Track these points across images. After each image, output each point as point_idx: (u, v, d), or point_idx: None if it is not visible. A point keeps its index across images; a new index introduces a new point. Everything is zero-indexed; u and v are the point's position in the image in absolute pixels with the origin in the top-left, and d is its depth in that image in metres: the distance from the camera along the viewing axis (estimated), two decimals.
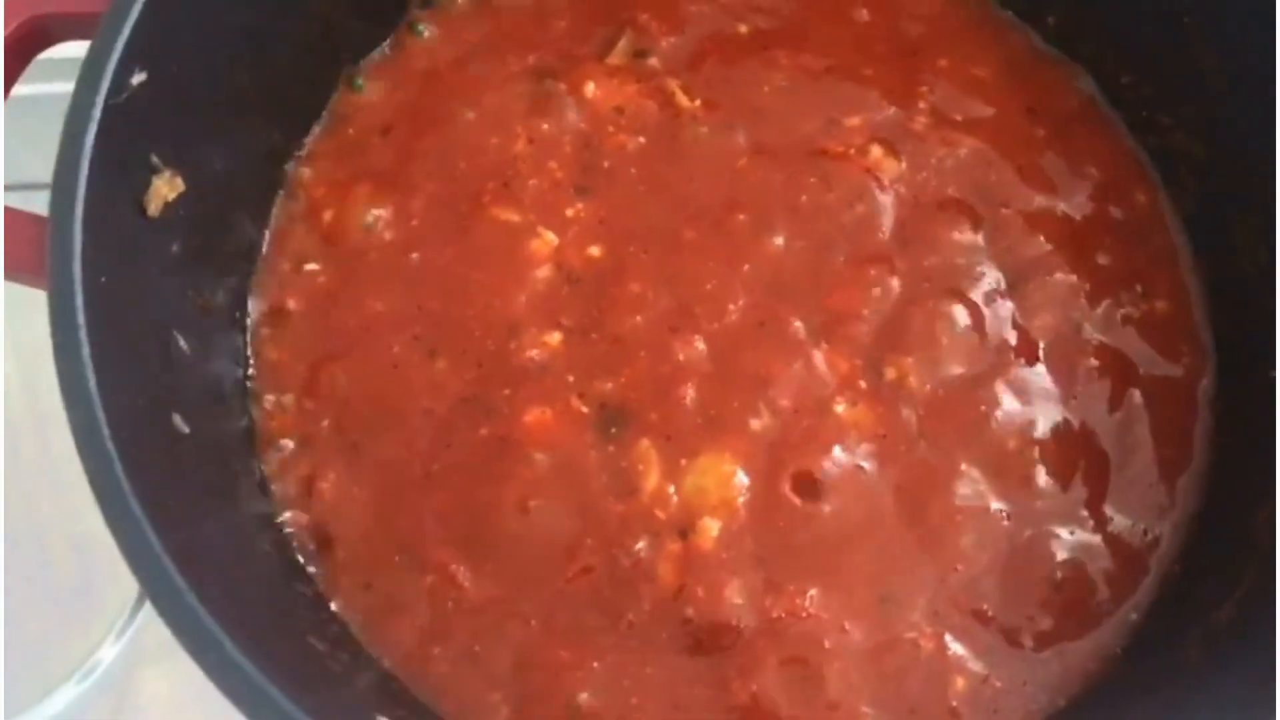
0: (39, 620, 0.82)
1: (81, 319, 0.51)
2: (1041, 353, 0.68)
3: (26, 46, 0.59)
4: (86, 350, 0.50)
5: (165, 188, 0.60)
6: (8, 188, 0.75)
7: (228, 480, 0.61)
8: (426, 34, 0.77)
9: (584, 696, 0.62)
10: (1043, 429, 0.67)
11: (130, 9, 0.56)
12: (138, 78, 0.57)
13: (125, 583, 0.82)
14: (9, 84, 0.59)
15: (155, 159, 0.59)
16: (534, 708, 0.62)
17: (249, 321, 0.68)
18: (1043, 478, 0.66)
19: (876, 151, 0.73)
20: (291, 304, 0.69)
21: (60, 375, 0.49)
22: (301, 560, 0.63)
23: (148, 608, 0.82)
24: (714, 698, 0.62)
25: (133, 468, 0.48)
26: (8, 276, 0.56)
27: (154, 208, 0.58)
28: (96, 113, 0.55)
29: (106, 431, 0.47)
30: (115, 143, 0.55)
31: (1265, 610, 0.55)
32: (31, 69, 0.67)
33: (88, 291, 0.52)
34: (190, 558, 0.48)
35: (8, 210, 0.55)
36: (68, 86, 0.55)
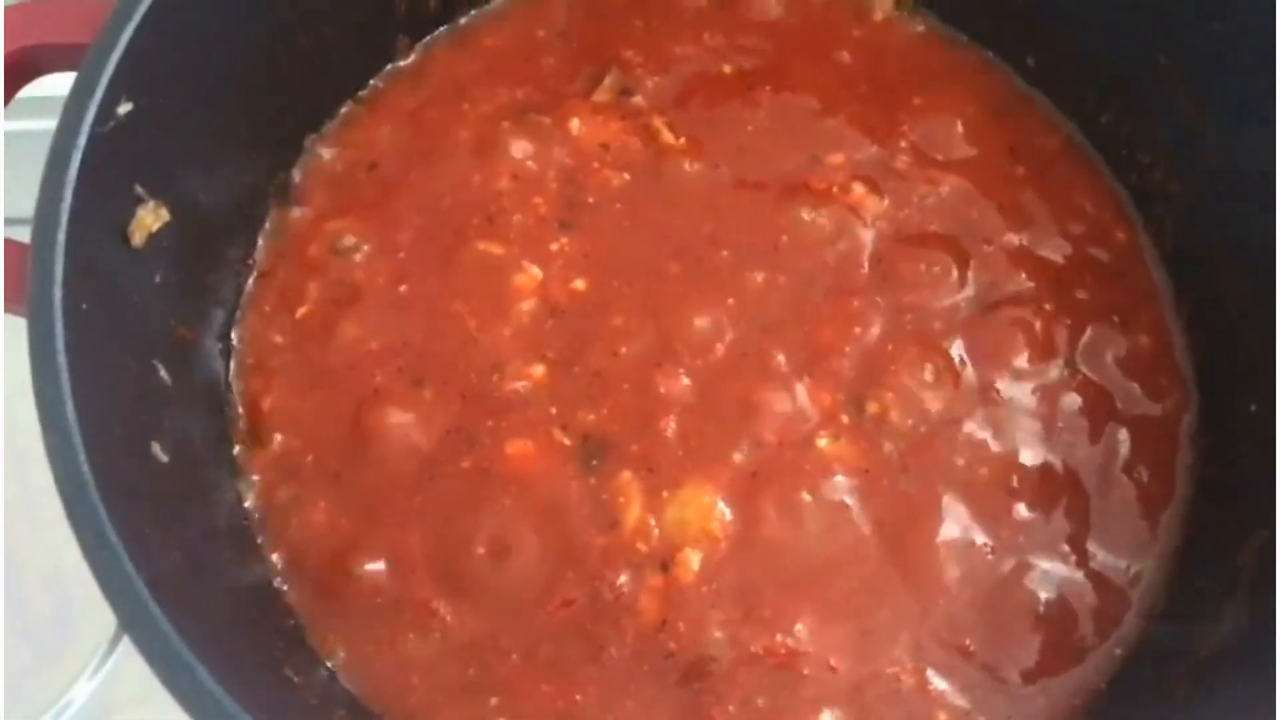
0: (13, 658, 0.81)
1: (61, 344, 0.50)
2: (1023, 387, 0.69)
3: (15, 76, 0.60)
4: (65, 377, 0.50)
5: (150, 218, 0.60)
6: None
7: (207, 510, 0.60)
8: (413, 70, 0.78)
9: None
10: (1024, 464, 0.67)
11: (119, 39, 0.56)
12: (124, 108, 0.57)
13: (101, 622, 0.82)
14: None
15: (140, 189, 0.59)
16: None
17: (233, 352, 0.68)
18: (1024, 513, 0.66)
19: (859, 189, 0.73)
20: (276, 337, 0.69)
21: (38, 401, 0.49)
22: (280, 592, 0.62)
23: (122, 648, 0.82)
24: (696, 715, 0.62)
25: (109, 495, 0.48)
26: (7, 310, 0.55)
27: (138, 238, 0.59)
28: (82, 140, 0.55)
29: (83, 457, 0.47)
30: (100, 171, 0.55)
31: (1251, 646, 0.55)
32: (22, 105, 0.68)
33: (68, 318, 0.52)
34: (166, 586, 0.48)
35: (7, 242, 0.55)
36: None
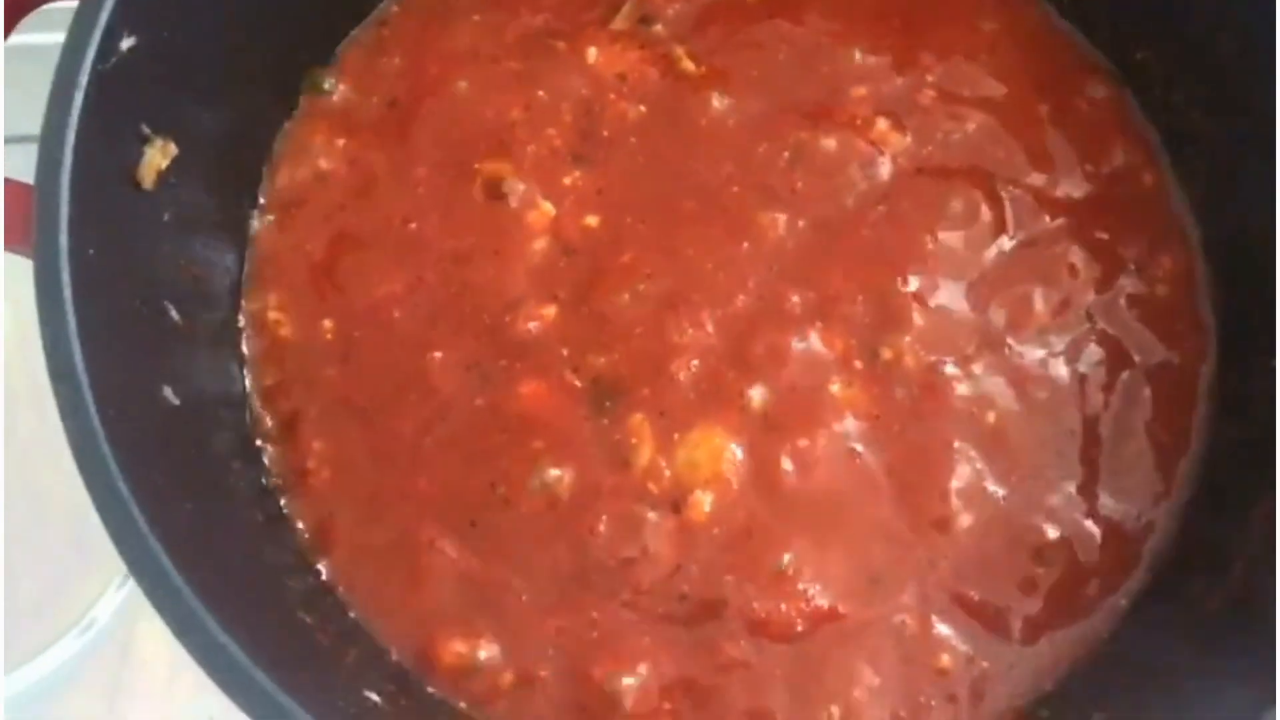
0: (39, 580, 0.82)
1: (68, 293, 0.50)
2: (1038, 334, 0.68)
3: (17, 7, 0.58)
4: (73, 324, 0.50)
5: (158, 156, 0.59)
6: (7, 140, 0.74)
7: (219, 453, 0.60)
8: None
9: (578, 663, 0.63)
10: (1038, 413, 0.66)
11: None
12: (126, 42, 0.55)
13: None
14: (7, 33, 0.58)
15: (146, 128, 0.58)
16: (529, 672, 0.62)
17: (243, 289, 0.68)
18: (1038, 462, 0.65)
19: (882, 124, 0.71)
20: (288, 274, 0.68)
21: (46, 352, 0.48)
22: (292, 532, 0.63)
23: None
24: (706, 660, 0.63)
25: (120, 444, 0.48)
26: (7, 249, 0.55)
27: (149, 180, 0.58)
28: (84, 79, 0.53)
29: (93, 410, 0.47)
30: (104, 111, 0.54)
31: (1256, 602, 0.55)
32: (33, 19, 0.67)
33: (75, 265, 0.51)
34: (177, 536, 0.48)
35: (7, 181, 0.55)
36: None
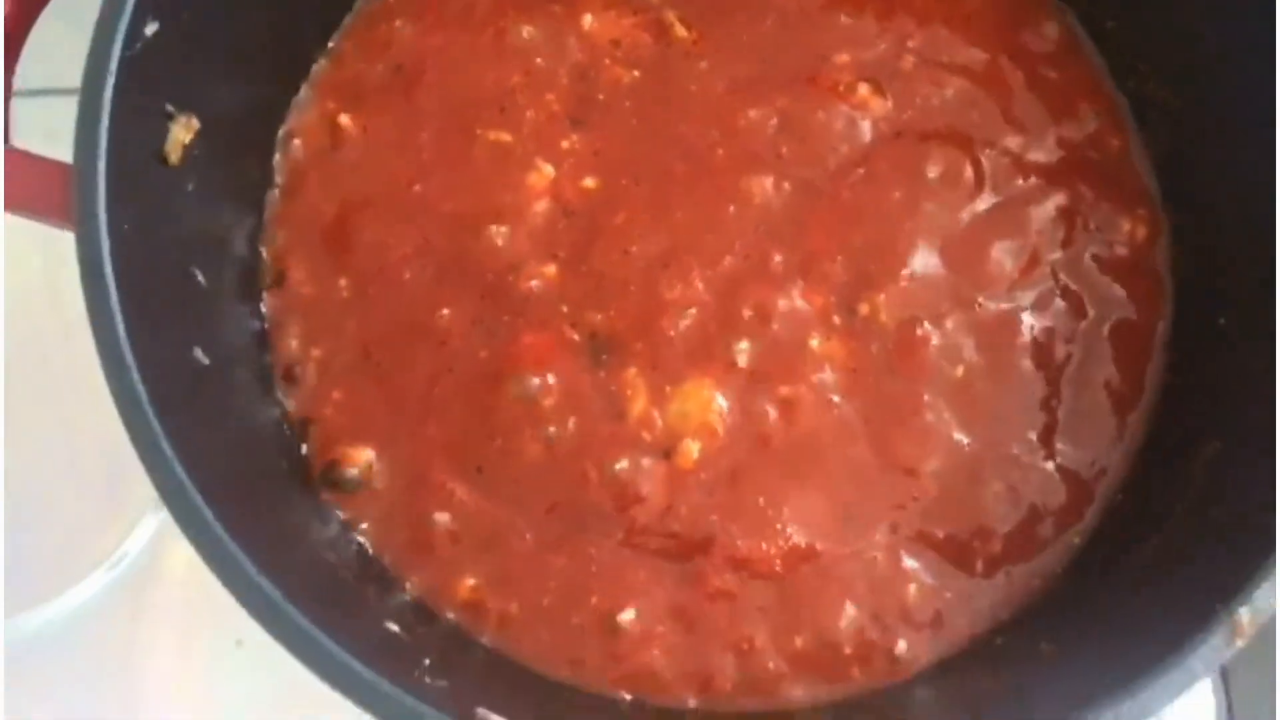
0: (73, 515, 0.88)
1: (109, 267, 0.55)
2: (1007, 291, 0.72)
3: None
4: (114, 296, 0.54)
5: (183, 132, 0.63)
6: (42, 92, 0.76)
7: (246, 406, 0.66)
8: None
9: (579, 593, 0.68)
10: (1003, 363, 0.71)
11: None
12: (150, 27, 0.59)
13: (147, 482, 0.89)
14: (18, 33, 0.61)
15: (170, 106, 0.62)
16: (535, 602, 0.68)
17: (263, 251, 0.72)
18: (1001, 411, 0.70)
19: (864, 90, 0.75)
20: (304, 236, 0.73)
21: (91, 320, 0.53)
22: (314, 478, 0.69)
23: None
24: (695, 591, 0.69)
25: (161, 406, 0.53)
26: (34, 218, 0.60)
27: (175, 156, 0.62)
28: (113, 64, 0.58)
29: (137, 375, 0.52)
30: (133, 94, 0.58)
31: (1192, 548, 0.61)
32: None
33: (113, 238, 0.56)
34: (215, 485, 0.54)
35: (32, 156, 0.59)
36: None
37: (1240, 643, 0.52)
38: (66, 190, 0.57)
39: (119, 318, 0.54)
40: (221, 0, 0.65)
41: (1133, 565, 0.64)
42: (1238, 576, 0.54)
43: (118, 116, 0.57)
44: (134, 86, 0.58)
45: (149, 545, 0.89)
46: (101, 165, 0.56)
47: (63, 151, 0.57)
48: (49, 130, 0.74)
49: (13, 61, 0.60)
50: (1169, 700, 0.52)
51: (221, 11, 0.65)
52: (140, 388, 0.53)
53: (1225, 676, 0.86)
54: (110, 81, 0.57)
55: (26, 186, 0.57)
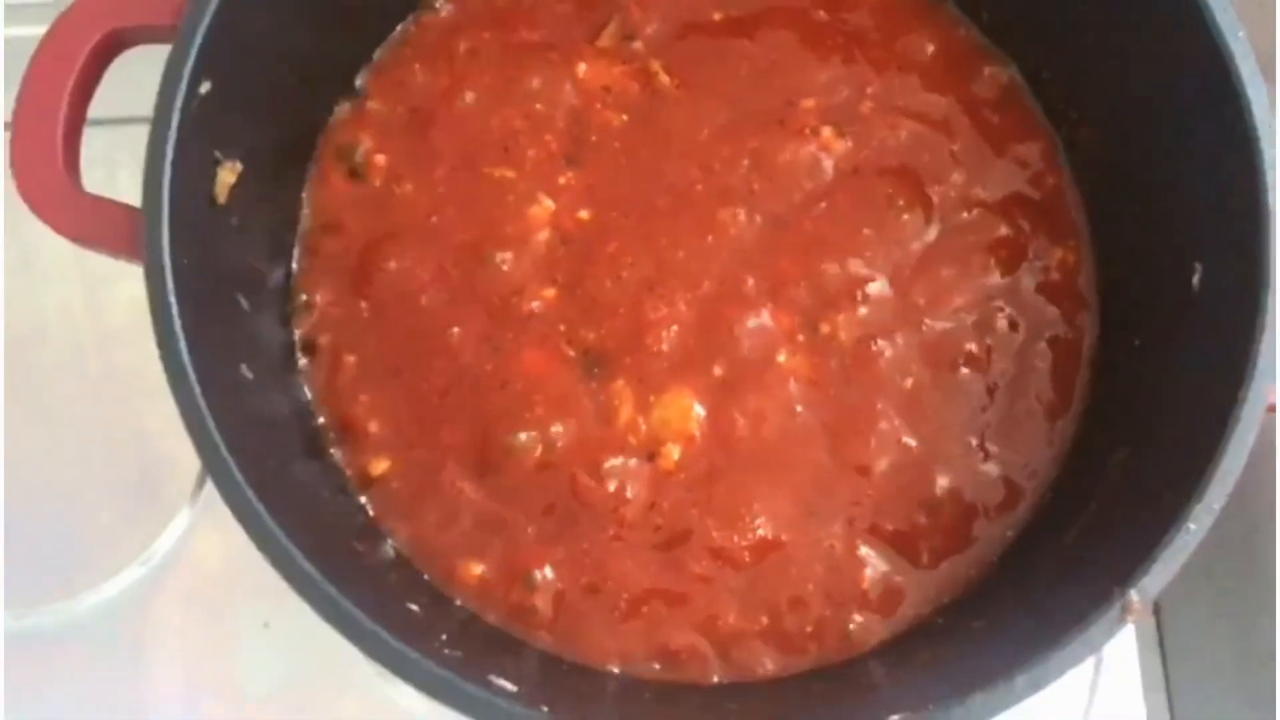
0: (106, 515, 0.95)
1: (173, 299, 0.64)
2: (952, 314, 0.82)
3: (105, 56, 0.71)
4: (178, 325, 0.63)
5: (229, 175, 0.72)
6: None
7: (286, 415, 0.75)
8: (443, 12, 0.88)
9: (575, 576, 0.78)
10: (947, 376, 0.81)
11: (197, 30, 0.67)
12: (204, 87, 0.68)
13: (180, 482, 0.96)
14: (91, 88, 0.70)
15: (218, 154, 0.71)
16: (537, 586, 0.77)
17: (296, 275, 0.81)
18: (945, 419, 0.80)
19: (827, 132, 0.84)
20: (332, 263, 0.82)
21: (160, 349, 0.63)
22: (343, 476, 0.78)
23: (201, 503, 0.96)
24: (676, 576, 0.77)
25: (221, 422, 0.62)
26: (104, 254, 0.69)
27: (223, 196, 0.71)
28: (174, 120, 0.67)
29: (200, 398, 0.61)
30: (189, 147, 0.67)
31: (1098, 536, 0.71)
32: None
33: (175, 273, 0.65)
34: (266, 486, 0.63)
35: (102, 200, 0.68)
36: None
37: (1131, 619, 0.62)
38: (133, 230, 0.66)
39: (182, 341, 0.63)
40: (261, 59, 0.74)
41: (1053, 555, 0.74)
42: (1131, 564, 0.63)
43: (177, 166, 0.66)
44: (190, 139, 0.67)
45: (178, 541, 0.95)
46: (165, 210, 0.65)
47: (124, 182, 0.66)
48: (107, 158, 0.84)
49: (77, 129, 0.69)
50: (1075, 664, 0.62)
51: (261, 68, 0.74)
52: (201, 402, 0.63)
53: (1157, 612, 0.97)
54: (172, 137, 0.66)
55: (99, 228, 0.66)
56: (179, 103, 0.66)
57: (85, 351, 1.04)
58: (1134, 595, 0.62)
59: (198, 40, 0.67)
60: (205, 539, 0.97)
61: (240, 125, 0.73)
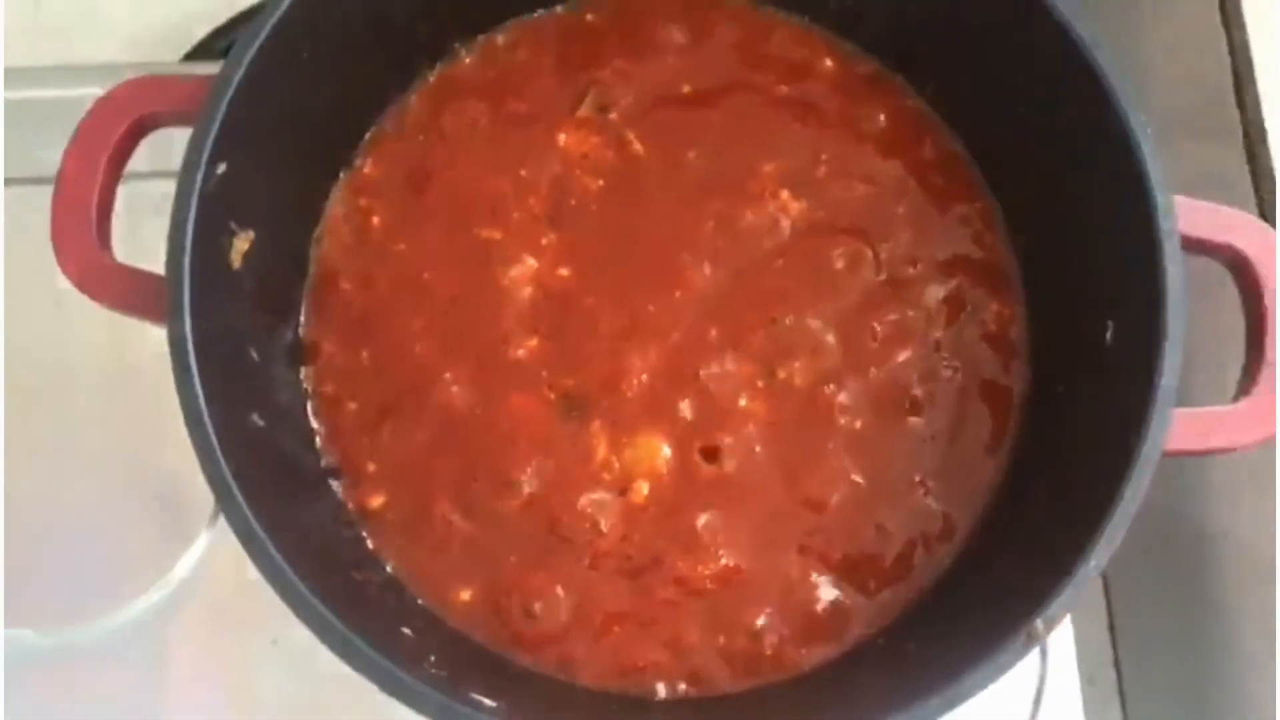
0: (124, 543, 1.02)
1: (193, 359, 0.73)
2: (898, 360, 0.90)
3: (134, 138, 0.80)
4: (198, 383, 0.72)
5: (243, 243, 0.80)
6: None
7: (292, 457, 0.84)
8: (439, 85, 0.96)
9: (554, 600, 0.86)
10: (893, 419, 0.89)
11: (215, 117, 0.76)
12: (220, 168, 0.77)
13: (195, 513, 1.03)
14: (121, 168, 0.79)
15: (233, 224, 0.80)
16: (523, 608, 0.86)
17: (302, 328, 0.90)
18: (890, 458, 0.88)
19: (785, 194, 0.92)
20: (335, 316, 0.90)
21: (182, 404, 0.71)
22: (345, 511, 0.87)
23: (216, 534, 1.03)
24: (645, 600, 0.85)
25: (236, 468, 0.71)
26: (131, 316, 0.78)
27: (237, 262, 0.80)
28: (194, 199, 0.75)
29: (218, 448, 0.70)
30: (206, 222, 0.75)
31: (1018, 568, 0.79)
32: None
33: (195, 334, 0.74)
34: (276, 525, 0.71)
35: (131, 269, 0.77)
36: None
37: (1036, 644, 0.70)
38: (158, 296, 0.75)
39: (200, 393, 0.72)
40: (270, 140, 0.82)
41: (980, 584, 0.82)
42: (1041, 595, 0.71)
43: (197, 239, 0.75)
44: (208, 215, 0.76)
45: (193, 573, 1.01)
46: (186, 277, 0.74)
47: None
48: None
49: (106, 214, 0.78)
50: (987, 685, 0.70)
51: (271, 148, 0.83)
52: (216, 446, 0.71)
53: (1106, 583, 1.05)
54: (192, 214, 0.75)
55: (127, 294, 0.75)
56: (198, 184, 0.75)
57: (111, 389, 1.11)
58: (1039, 623, 0.70)
59: (215, 126, 0.76)
60: (217, 568, 1.04)
61: (252, 199, 0.82)
